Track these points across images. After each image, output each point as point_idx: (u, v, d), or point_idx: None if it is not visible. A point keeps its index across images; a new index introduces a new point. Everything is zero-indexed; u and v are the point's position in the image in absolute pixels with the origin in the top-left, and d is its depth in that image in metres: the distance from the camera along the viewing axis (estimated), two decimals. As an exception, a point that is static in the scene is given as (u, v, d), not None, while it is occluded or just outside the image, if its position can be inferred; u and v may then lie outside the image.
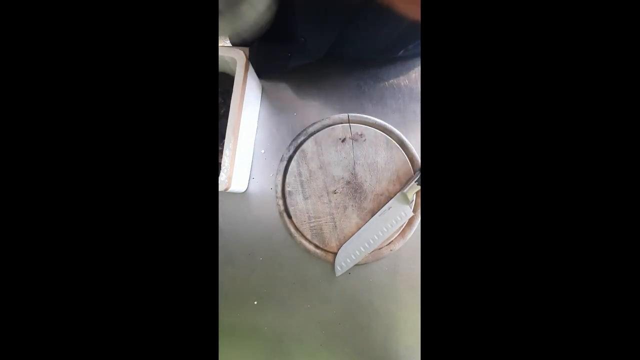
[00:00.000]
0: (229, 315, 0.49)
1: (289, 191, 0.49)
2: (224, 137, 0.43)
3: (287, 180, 0.50)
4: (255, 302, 0.50)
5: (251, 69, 0.46)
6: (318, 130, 0.50)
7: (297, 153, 0.50)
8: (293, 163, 0.50)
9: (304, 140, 0.50)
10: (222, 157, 0.42)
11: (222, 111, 0.48)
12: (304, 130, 0.51)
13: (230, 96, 0.43)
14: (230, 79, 0.46)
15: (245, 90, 0.44)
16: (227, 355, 0.49)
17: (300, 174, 0.49)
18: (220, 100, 0.49)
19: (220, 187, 0.41)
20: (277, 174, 0.50)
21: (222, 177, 0.42)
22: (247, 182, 0.51)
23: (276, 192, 0.50)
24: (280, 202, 0.49)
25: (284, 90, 0.54)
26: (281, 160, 0.50)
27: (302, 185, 0.49)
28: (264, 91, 0.54)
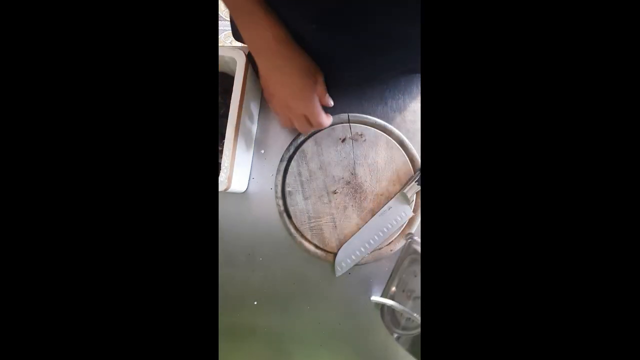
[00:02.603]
0: (229, 316, 0.49)
1: (289, 191, 0.49)
2: (223, 137, 0.43)
3: (287, 181, 0.49)
4: (255, 303, 0.49)
5: (251, 69, 0.46)
6: (318, 130, 0.50)
7: (297, 153, 0.50)
8: (293, 163, 0.50)
9: (304, 140, 0.50)
10: (221, 157, 0.42)
11: (222, 111, 0.48)
12: (304, 130, 0.51)
13: (230, 96, 0.43)
14: (230, 79, 0.46)
15: (245, 90, 0.44)
16: (227, 356, 0.49)
17: (300, 174, 0.49)
18: (220, 100, 0.49)
19: (220, 187, 0.41)
20: (277, 174, 0.50)
21: (222, 177, 0.42)
22: (247, 182, 0.51)
23: (276, 192, 0.50)
24: (280, 202, 0.49)
25: (284, 90, 0.54)
26: (281, 160, 0.50)
27: (302, 186, 0.49)
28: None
